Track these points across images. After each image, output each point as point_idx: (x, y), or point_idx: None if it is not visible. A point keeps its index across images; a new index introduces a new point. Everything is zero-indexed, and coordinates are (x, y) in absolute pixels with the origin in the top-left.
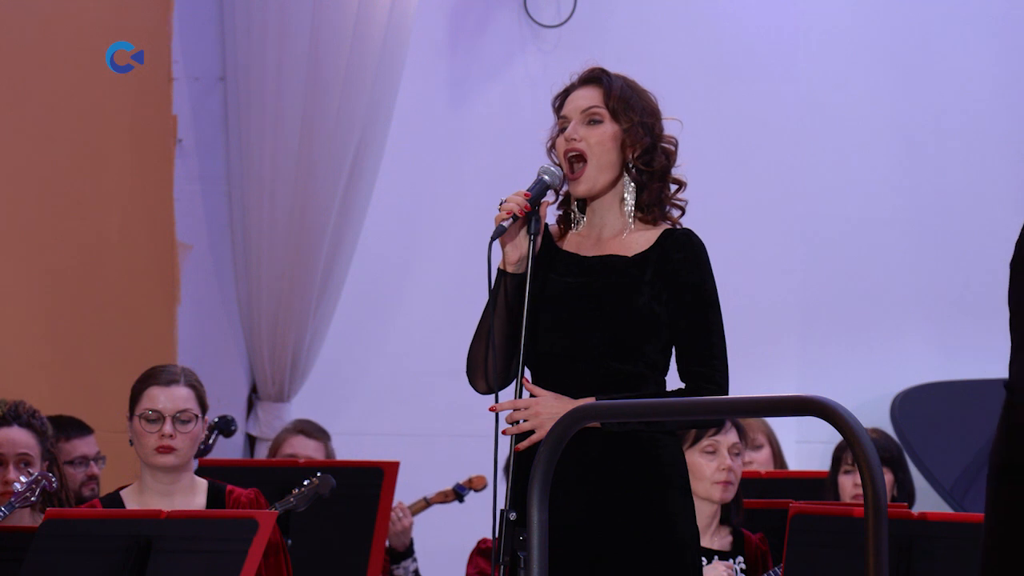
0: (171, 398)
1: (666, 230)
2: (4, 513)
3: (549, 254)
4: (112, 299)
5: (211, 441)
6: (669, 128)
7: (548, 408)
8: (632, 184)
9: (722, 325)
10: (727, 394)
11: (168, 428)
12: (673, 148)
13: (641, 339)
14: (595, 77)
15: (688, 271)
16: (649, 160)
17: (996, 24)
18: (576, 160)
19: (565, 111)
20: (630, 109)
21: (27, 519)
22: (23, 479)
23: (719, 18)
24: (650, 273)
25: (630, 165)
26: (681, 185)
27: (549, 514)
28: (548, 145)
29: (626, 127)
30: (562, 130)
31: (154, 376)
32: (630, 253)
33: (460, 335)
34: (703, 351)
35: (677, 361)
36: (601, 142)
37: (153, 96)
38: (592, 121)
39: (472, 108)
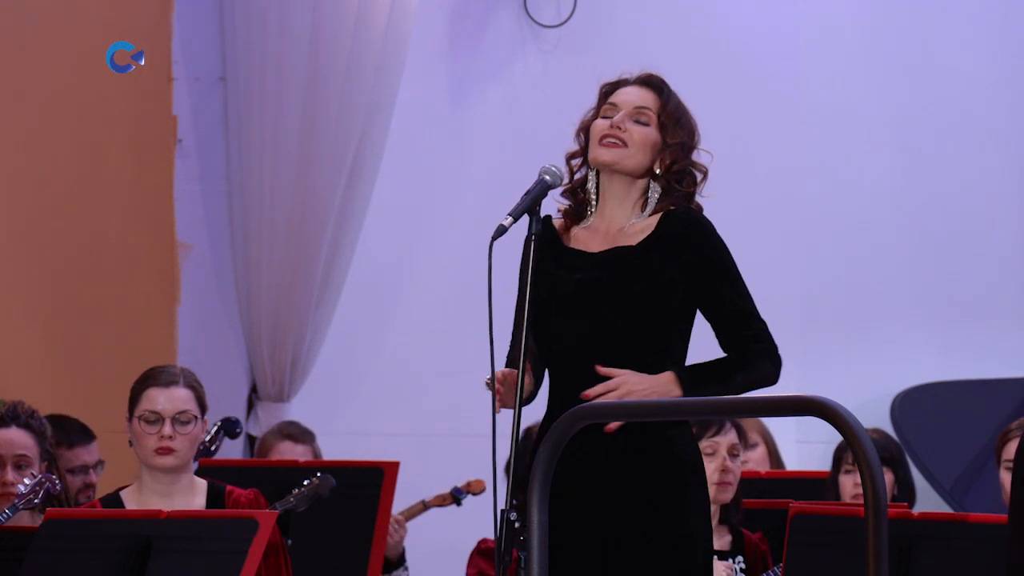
0: (170, 399)
1: (665, 212)
2: (8, 515)
3: (555, 252)
4: (112, 299)
5: (216, 444)
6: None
7: (638, 384)
8: (659, 190)
9: (746, 286)
10: (776, 348)
11: (167, 429)
12: (702, 175)
13: (655, 329)
14: (655, 83)
15: (698, 246)
16: (680, 179)
17: (996, 24)
18: (615, 141)
19: (616, 99)
20: (680, 128)
21: (27, 519)
22: (27, 481)
23: (719, 18)
24: (657, 259)
25: (658, 172)
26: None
27: (564, 511)
28: (579, 128)
29: (671, 143)
30: (605, 117)
31: (153, 377)
32: (634, 242)
33: (460, 335)
34: (739, 315)
35: (717, 334)
36: (644, 142)
37: (153, 96)
38: (639, 120)
39: (472, 108)
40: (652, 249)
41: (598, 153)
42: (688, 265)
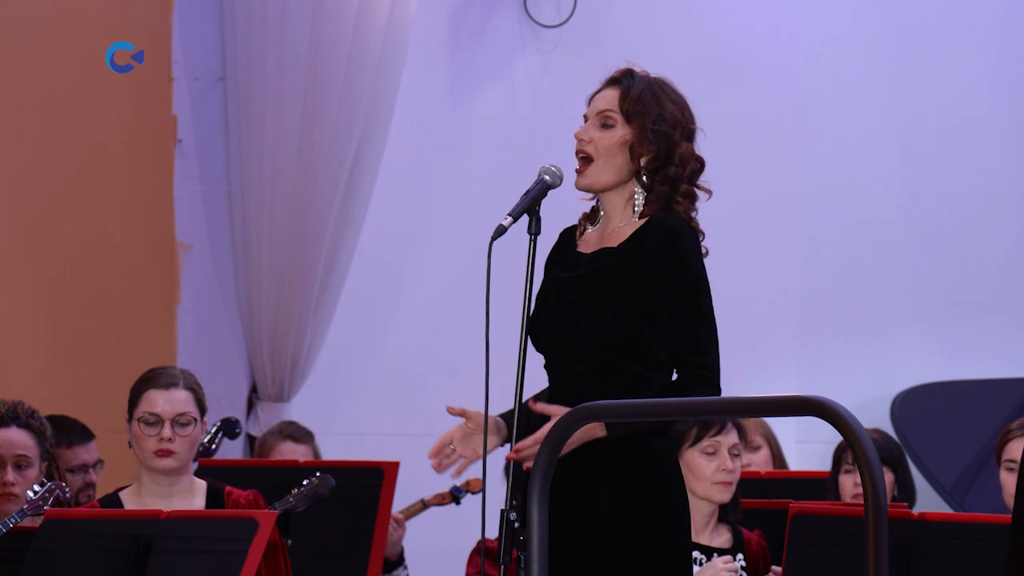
0: (170, 401)
1: (649, 218)
2: (16, 519)
3: (564, 255)
4: (112, 299)
5: (216, 444)
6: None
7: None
8: (642, 190)
9: (709, 308)
10: (719, 382)
11: (167, 431)
12: (690, 159)
13: (627, 328)
14: (619, 78)
15: (660, 257)
16: (658, 168)
17: (996, 24)
18: (583, 160)
19: (587, 110)
20: (644, 114)
21: (27, 519)
22: (37, 487)
23: (719, 18)
24: (627, 262)
25: (640, 172)
26: (694, 197)
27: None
28: None
29: (636, 131)
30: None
31: (153, 379)
32: (615, 244)
33: (459, 335)
34: (690, 338)
35: (668, 349)
36: (609, 147)
37: (153, 96)
38: (605, 124)
39: (472, 108)
40: (630, 252)
41: (575, 181)
42: (651, 273)
